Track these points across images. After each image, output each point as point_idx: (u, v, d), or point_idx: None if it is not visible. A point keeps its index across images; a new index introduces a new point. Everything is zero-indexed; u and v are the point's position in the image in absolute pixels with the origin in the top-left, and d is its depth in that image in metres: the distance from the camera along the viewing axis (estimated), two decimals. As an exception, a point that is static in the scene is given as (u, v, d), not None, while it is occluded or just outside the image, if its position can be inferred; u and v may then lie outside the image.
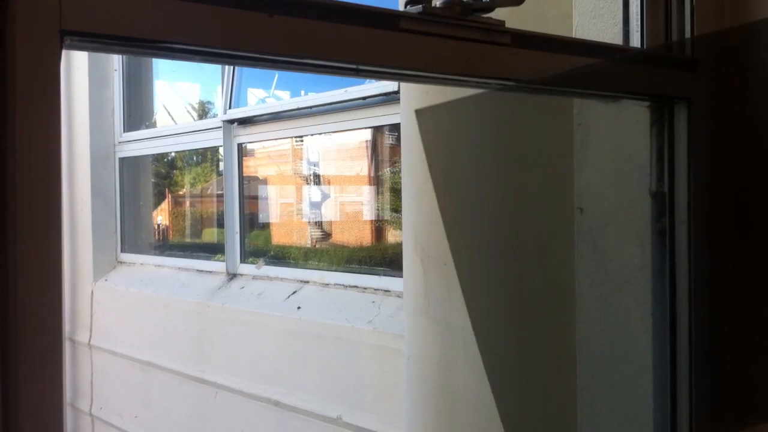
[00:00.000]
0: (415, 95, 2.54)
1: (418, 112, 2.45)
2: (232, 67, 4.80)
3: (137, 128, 5.90)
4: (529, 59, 1.25)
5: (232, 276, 4.73)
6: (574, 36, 1.81)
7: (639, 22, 1.55)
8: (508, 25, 1.23)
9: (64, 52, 0.86)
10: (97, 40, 0.91)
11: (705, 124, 1.52)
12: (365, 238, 4.38)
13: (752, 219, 1.58)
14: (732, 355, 1.59)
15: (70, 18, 0.85)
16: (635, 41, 1.55)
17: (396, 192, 3.97)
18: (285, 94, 4.98)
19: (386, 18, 1.10)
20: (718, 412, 1.57)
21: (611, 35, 1.70)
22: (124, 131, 5.88)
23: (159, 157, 6.14)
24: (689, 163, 1.50)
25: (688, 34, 1.55)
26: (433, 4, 1.13)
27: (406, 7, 1.14)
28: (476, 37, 1.17)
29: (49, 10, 0.84)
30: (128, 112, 5.92)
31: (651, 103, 1.54)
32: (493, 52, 1.20)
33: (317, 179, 4.76)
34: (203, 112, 5.84)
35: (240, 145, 4.85)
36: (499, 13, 1.22)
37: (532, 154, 2.31)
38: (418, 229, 2.54)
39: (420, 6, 1.12)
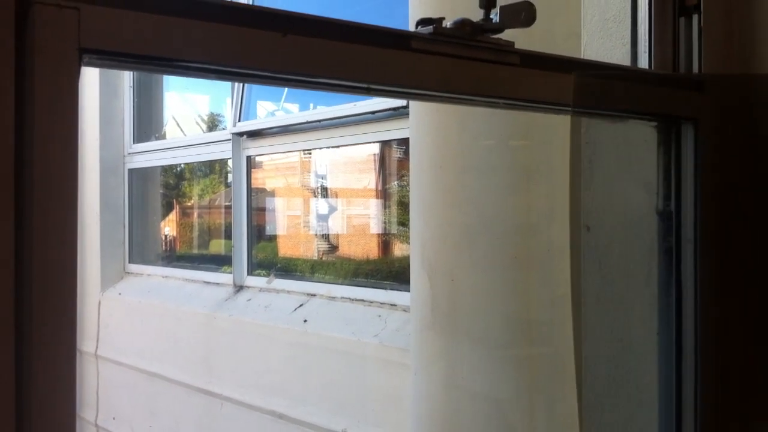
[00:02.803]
0: (424, 111, 2.55)
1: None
2: (242, 81, 4.83)
3: (147, 140, 5.93)
4: (538, 79, 1.26)
5: (239, 288, 4.74)
6: (582, 55, 1.82)
7: (647, 43, 1.56)
8: (516, 41, 1.24)
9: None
10: (115, 57, 0.93)
11: (712, 144, 1.53)
12: (372, 251, 4.39)
13: (759, 239, 1.59)
14: (739, 374, 1.59)
15: (88, 36, 0.87)
16: (643, 61, 1.56)
17: (403, 206, 3.98)
18: (294, 107, 5.01)
19: (398, 38, 1.11)
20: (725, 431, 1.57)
21: (619, 55, 1.72)
22: (133, 142, 5.92)
23: (168, 169, 6.17)
24: (696, 182, 1.51)
25: (695, 55, 1.56)
26: (443, 25, 1.15)
27: (417, 27, 1.15)
28: (486, 58, 1.18)
29: (69, 29, 0.85)
30: (138, 123, 5.95)
31: (658, 123, 1.55)
32: (503, 72, 1.21)
33: (325, 192, 4.78)
34: (213, 124, 5.87)
35: (249, 158, 4.88)
36: (508, 33, 1.24)
37: (540, 170, 2.33)
38: (426, 243, 2.55)
39: (431, 26, 1.14)
